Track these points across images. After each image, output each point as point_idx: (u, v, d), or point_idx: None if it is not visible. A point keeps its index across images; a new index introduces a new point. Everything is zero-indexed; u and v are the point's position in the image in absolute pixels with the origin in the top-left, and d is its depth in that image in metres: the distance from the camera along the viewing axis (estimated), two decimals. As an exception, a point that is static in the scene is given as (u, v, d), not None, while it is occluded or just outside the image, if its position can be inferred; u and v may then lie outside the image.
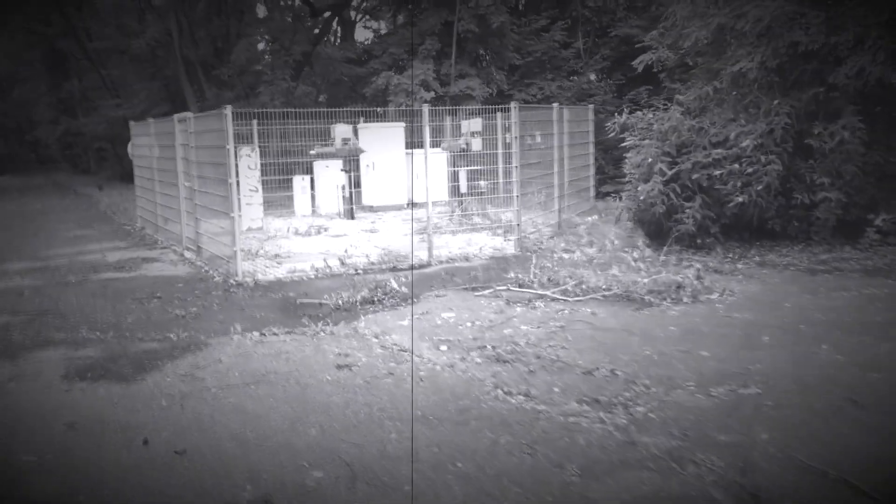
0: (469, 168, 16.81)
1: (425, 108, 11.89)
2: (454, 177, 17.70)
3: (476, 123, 18.17)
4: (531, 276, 9.68)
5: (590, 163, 16.71)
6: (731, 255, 10.56)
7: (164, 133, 14.77)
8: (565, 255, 11.67)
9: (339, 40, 35.67)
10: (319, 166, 18.73)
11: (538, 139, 15.05)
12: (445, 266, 11.53)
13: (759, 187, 9.90)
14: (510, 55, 25.58)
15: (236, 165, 10.63)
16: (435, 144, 19.54)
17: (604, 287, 8.87)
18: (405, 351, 6.84)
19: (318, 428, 4.98)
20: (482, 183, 17.05)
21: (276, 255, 12.82)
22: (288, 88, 26.75)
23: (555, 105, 14.48)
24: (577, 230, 14.13)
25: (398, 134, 19.35)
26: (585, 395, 5.36)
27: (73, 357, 7.21)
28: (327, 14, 31.90)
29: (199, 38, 32.47)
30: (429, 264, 11.70)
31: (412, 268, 11.36)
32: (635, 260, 10.01)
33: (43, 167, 48.46)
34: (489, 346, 6.80)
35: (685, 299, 8.10)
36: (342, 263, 11.68)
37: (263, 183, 13.60)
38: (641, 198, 10.48)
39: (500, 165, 17.42)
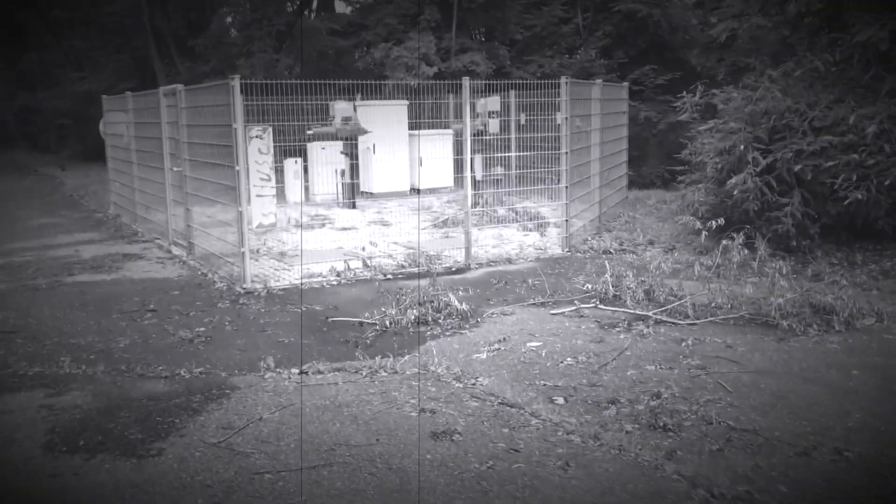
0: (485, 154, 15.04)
1: (466, 81, 10.10)
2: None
3: (494, 102, 16.39)
4: (609, 287, 7.97)
5: (624, 148, 15.04)
6: (835, 262, 8.94)
7: (146, 109, 12.78)
8: (629, 258, 10.00)
9: (313, 13, 33.45)
10: (314, 148, 16.83)
11: (559, 120, 13.30)
12: (488, 270, 9.80)
13: (886, 182, 8.25)
14: (512, 28, 23.77)
15: (245, 149, 8.77)
16: (436, 125, 17.80)
17: (713, 305, 7.19)
18: (510, 406, 5.09)
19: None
20: (499, 169, 15.32)
21: (282, 254, 10.98)
22: (270, 61, 24.63)
23: (598, 81, 12.75)
24: (625, 226, 12.48)
25: (401, 113, 17.51)
26: None
27: (56, 408, 5.36)
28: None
29: (170, 9, 30.15)
30: (468, 267, 9.96)
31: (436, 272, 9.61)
32: (711, 266, 8.33)
33: (-1, 144, 45.63)
34: (625, 401, 5.08)
35: (836, 326, 6.44)
36: (366, 266, 9.90)
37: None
38: (735, 192, 8.80)
39: (514, 153, 15.73)
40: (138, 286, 9.37)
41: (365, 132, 15.58)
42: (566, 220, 10.83)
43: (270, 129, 8.91)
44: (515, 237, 11.99)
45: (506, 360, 6.10)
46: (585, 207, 12.00)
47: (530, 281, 8.88)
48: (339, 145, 15.69)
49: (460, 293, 8.01)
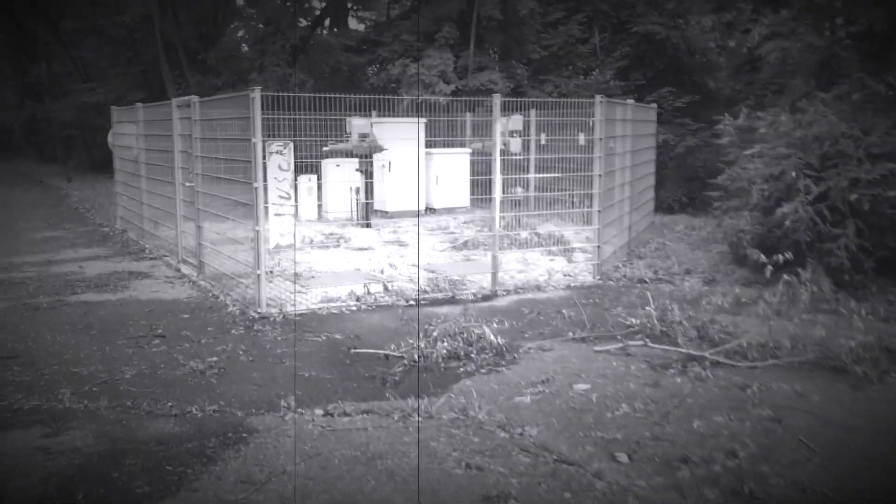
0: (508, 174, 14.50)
1: (496, 99, 9.57)
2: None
3: (516, 121, 15.83)
4: (655, 322, 7.38)
5: (652, 171, 14.48)
6: (893, 299, 8.30)
7: (158, 121, 12.26)
8: (667, 288, 9.41)
9: (325, 29, 33.08)
10: (328, 165, 16.35)
11: (582, 141, 12.75)
12: (517, 298, 9.22)
13: (953, 215, 7.68)
14: (530, 48, 23.30)
15: (264, 164, 8.22)
16: (452, 144, 17.33)
17: (772, 345, 6.59)
18: (567, 463, 4.49)
19: None
20: (518, 190, 14.78)
21: (297, 275, 10.40)
22: (283, 76, 24.19)
23: (630, 101, 12.21)
24: (656, 252, 11.89)
25: (417, 131, 16.98)
26: None
27: (54, 451, 4.78)
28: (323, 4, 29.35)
29: (181, 21, 29.76)
30: (495, 294, 9.38)
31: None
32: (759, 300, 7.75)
33: (5, 154, 45.19)
34: (698, 459, 4.48)
35: (918, 374, 5.85)
36: (386, 290, 9.33)
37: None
38: (787, 222, 8.21)
39: (532, 174, 15.27)
40: (145, 308, 8.79)
41: (382, 149, 15.06)
42: (598, 247, 10.24)
43: (291, 145, 8.37)
44: (541, 262, 11.41)
45: (553, 405, 5.50)
46: (616, 233, 11.43)
47: (565, 312, 8.29)
48: (353, 162, 15.16)
49: (495, 325, 7.40)
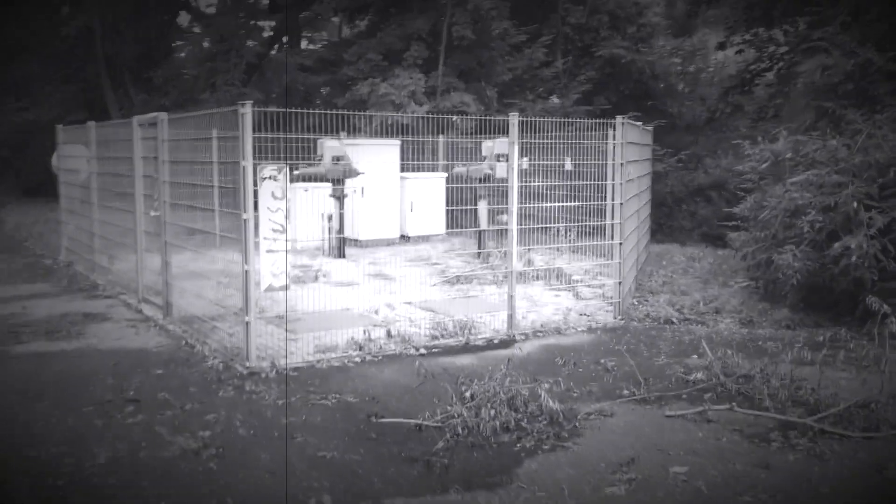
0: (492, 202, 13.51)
1: (514, 119, 8.52)
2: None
3: (502, 145, 14.85)
4: (720, 376, 6.36)
5: (649, 199, 13.59)
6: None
7: (114, 141, 10.87)
8: (701, 330, 8.41)
9: (273, 51, 31.79)
10: (296, 190, 15.05)
11: (568, 166, 11.79)
12: (540, 343, 8.11)
13: None
14: (499, 69, 22.41)
15: (255, 192, 6.99)
16: (421, 168, 16.27)
17: (873, 405, 5.59)
18: None
19: None
20: (504, 218, 13.74)
21: (279, 317, 9.10)
22: (238, 95, 22.80)
23: (639, 123, 11.28)
24: (665, 287, 10.93)
25: (392, 154, 15.91)
26: None
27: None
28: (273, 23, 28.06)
29: (126, 37, 28.15)
30: (513, 339, 8.25)
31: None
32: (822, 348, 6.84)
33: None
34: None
35: None
36: (389, 336, 8.14)
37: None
38: (853, 258, 7.28)
39: (515, 204, 14.27)
40: (109, 361, 7.40)
41: (358, 173, 13.86)
42: (619, 283, 9.21)
43: (286, 170, 7.14)
44: (546, 299, 10.35)
45: (656, 498, 4.38)
46: (629, 266, 10.43)
47: (603, 361, 7.20)
48: (323, 187, 13.93)
49: (547, 386, 6.24)
